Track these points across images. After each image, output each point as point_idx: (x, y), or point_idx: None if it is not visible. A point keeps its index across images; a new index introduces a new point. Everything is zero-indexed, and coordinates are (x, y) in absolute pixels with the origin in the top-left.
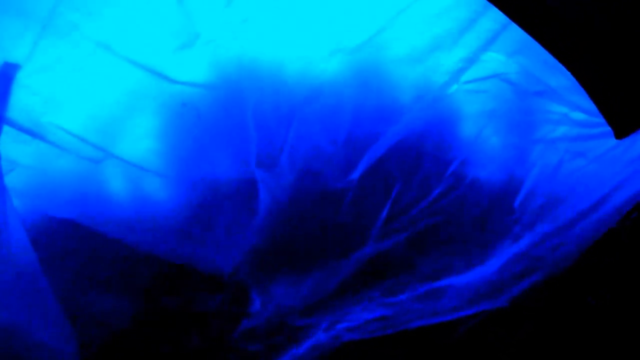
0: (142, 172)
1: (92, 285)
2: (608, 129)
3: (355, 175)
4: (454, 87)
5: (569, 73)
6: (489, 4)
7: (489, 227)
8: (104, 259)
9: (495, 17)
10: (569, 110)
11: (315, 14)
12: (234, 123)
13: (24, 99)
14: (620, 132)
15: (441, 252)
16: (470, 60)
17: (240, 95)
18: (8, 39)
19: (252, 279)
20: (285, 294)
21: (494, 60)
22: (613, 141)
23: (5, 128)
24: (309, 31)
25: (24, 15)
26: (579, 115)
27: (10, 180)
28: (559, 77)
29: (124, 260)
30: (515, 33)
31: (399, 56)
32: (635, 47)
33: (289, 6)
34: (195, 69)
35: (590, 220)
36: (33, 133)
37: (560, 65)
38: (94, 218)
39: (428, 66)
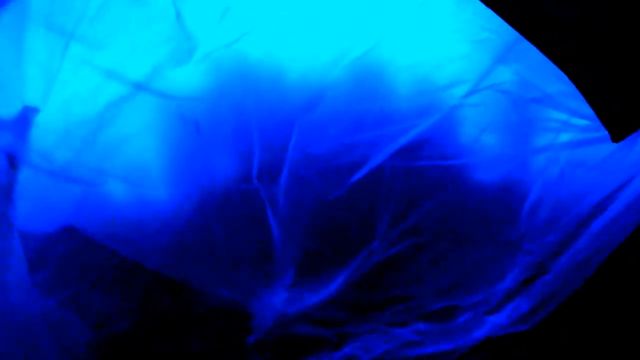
0: (143, 192)
1: (93, 288)
2: (606, 133)
3: (356, 181)
4: (453, 101)
5: (563, 78)
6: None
7: (496, 243)
8: (103, 262)
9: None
10: (569, 117)
11: (315, 23)
12: (234, 135)
13: (40, 139)
14: (617, 135)
15: (448, 265)
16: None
17: (239, 106)
18: (23, 81)
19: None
20: (285, 302)
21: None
22: (612, 145)
23: None
24: (308, 41)
25: (37, 58)
26: (579, 121)
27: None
28: (555, 84)
29: (123, 263)
30: (508, 40)
31: (400, 65)
32: (636, 49)
33: (286, 16)
34: (194, 83)
35: (600, 228)
36: (48, 171)
37: (554, 71)
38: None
39: (430, 75)
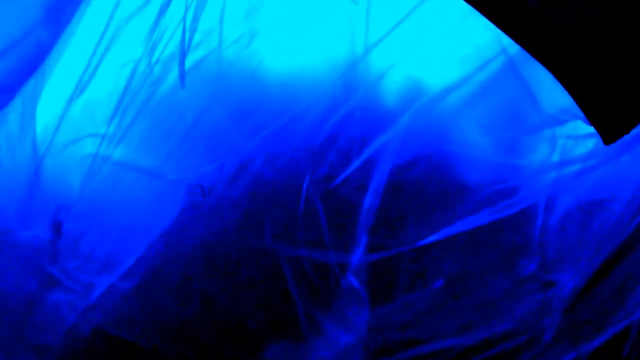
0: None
1: None
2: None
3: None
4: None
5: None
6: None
7: (510, 275)
8: None
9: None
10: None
11: (303, 24)
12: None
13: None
14: (609, 137)
15: (460, 304)
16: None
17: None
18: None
19: None
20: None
21: None
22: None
23: None
24: (295, 42)
25: None
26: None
27: None
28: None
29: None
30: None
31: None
32: (635, 51)
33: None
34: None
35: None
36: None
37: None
38: None
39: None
